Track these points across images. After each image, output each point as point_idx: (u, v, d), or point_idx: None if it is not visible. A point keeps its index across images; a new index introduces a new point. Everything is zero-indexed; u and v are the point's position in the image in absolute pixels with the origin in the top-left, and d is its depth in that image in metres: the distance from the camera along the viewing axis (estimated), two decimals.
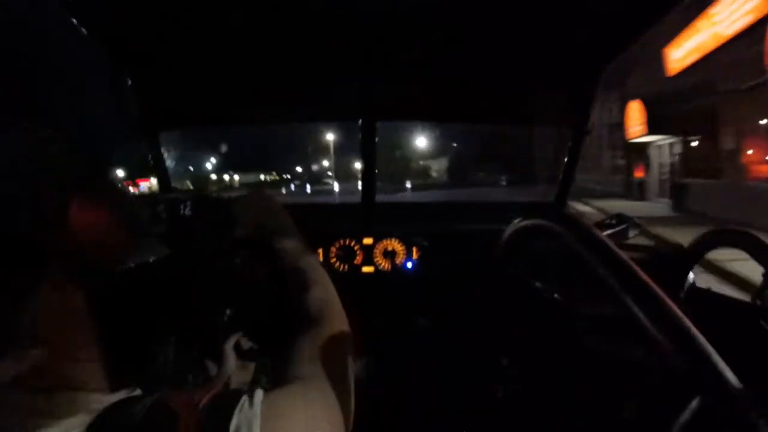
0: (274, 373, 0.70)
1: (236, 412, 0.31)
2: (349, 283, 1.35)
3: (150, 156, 1.32)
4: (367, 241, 1.30)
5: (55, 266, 0.32)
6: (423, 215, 1.58)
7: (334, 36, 1.06)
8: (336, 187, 24.32)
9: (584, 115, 1.36)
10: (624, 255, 0.45)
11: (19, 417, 0.28)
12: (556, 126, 1.53)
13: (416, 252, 1.32)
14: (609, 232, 1.06)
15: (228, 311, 0.69)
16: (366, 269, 1.31)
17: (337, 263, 1.29)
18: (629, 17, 0.98)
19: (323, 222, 1.39)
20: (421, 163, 36.08)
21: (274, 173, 42.23)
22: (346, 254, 1.29)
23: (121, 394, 0.32)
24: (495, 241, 0.82)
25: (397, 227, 1.33)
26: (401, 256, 1.31)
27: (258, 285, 0.71)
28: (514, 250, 0.81)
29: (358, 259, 1.30)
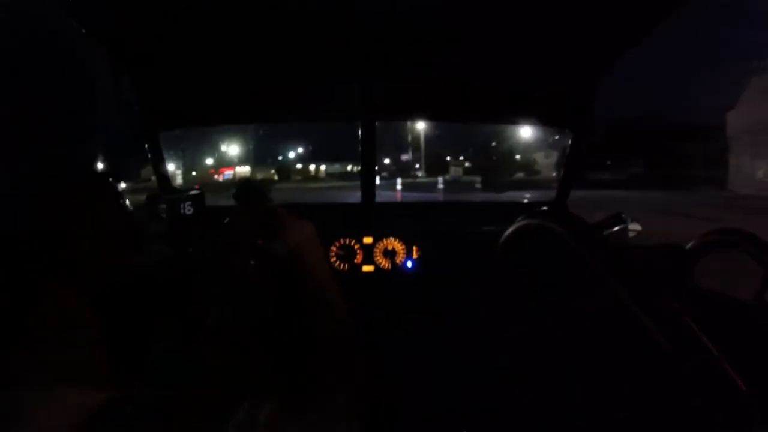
0: (274, 377, 0.70)
1: (237, 415, 0.31)
2: (349, 282, 1.36)
3: (150, 156, 1.32)
4: (367, 240, 1.30)
5: (64, 267, 0.32)
6: (423, 215, 1.58)
7: (334, 36, 1.06)
8: (440, 184, 19.65)
9: (585, 116, 1.36)
10: (625, 255, 0.45)
11: (15, 410, 0.28)
12: (557, 127, 1.53)
13: (416, 251, 1.32)
14: (608, 232, 1.06)
15: (228, 312, 0.69)
16: (366, 268, 1.31)
17: (338, 262, 1.29)
18: (630, 19, 0.98)
19: (323, 221, 1.39)
20: (518, 157, 29.88)
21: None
22: (346, 253, 1.29)
23: (119, 393, 0.32)
24: (495, 240, 0.82)
25: (397, 227, 1.33)
26: (401, 255, 1.31)
27: (257, 287, 0.71)
28: (515, 250, 0.81)
29: (358, 259, 1.30)
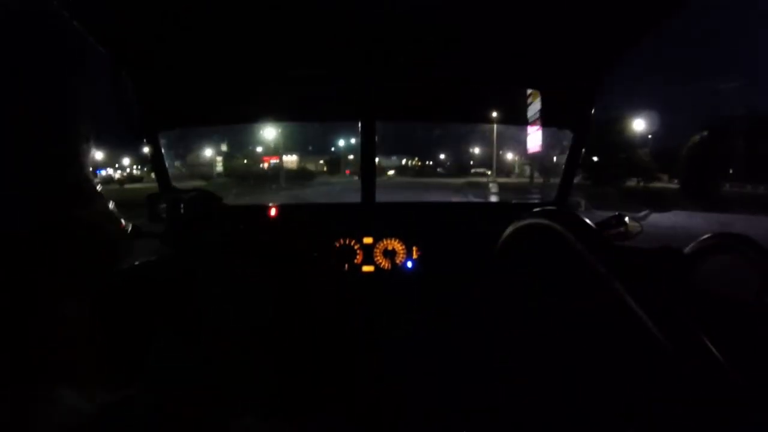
0: (275, 377, 0.70)
1: (239, 419, 0.31)
2: (349, 283, 1.36)
3: (150, 155, 1.32)
4: (367, 240, 1.30)
5: (58, 267, 0.32)
6: (423, 215, 1.58)
7: (334, 36, 1.06)
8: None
9: (585, 116, 1.36)
10: (626, 255, 0.45)
11: (15, 410, 0.28)
12: (557, 127, 1.53)
13: (416, 252, 1.32)
14: (610, 233, 1.06)
15: (228, 312, 0.69)
16: (366, 268, 1.31)
17: (338, 262, 1.30)
18: (630, 20, 0.98)
19: (323, 221, 1.40)
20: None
21: (417, 159, 39.19)
22: (346, 253, 1.29)
23: (119, 393, 0.32)
24: (495, 240, 0.82)
25: (397, 227, 1.33)
26: (401, 255, 1.31)
27: (257, 287, 0.71)
28: (515, 250, 0.81)
29: (358, 259, 1.30)
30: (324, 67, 1.21)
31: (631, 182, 18.58)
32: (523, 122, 1.63)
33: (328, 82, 1.29)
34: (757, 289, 0.81)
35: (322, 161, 35.33)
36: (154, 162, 1.33)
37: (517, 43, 1.11)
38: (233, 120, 1.54)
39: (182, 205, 0.95)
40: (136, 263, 1.01)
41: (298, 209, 1.61)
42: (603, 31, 1.05)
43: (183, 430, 0.29)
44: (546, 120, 1.52)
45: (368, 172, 1.41)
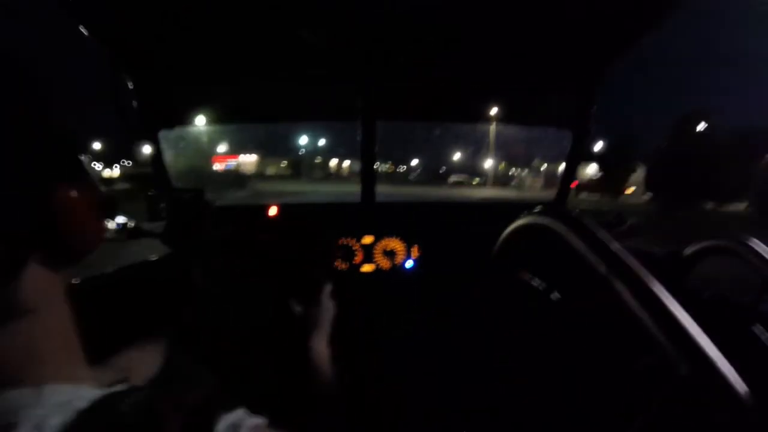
0: (274, 377, 0.69)
1: (228, 417, 0.31)
2: (348, 282, 1.36)
3: (150, 155, 1.32)
4: (367, 240, 1.30)
5: (37, 256, 0.32)
6: (423, 215, 1.58)
7: (334, 36, 1.06)
8: None
9: (585, 116, 1.36)
10: (627, 254, 0.45)
11: (14, 408, 0.27)
12: (557, 127, 1.53)
13: (416, 251, 1.32)
14: (611, 232, 1.06)
15: (228, 312, 0.69)
16: (366, 268, 1.31)
17: (338, 262, 1.30)
18: (630, 20, 0.98)
19: (323, 221, 1.40)
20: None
21: (390, 163, 35.60)
22: (346, 253, 1.29)
23: (110, 390, 0.32)
24: (495, 240, 0.82)
25: (397, 227, 1.33)
26: (401, 255, 1.31)
27: (257, 287, 0.71)
28: (515, 249, 0.81)
29: (358, 258, 1.30)
30: (324, 67, 1.20)
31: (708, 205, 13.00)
32: (523, 122, 1.63)
33: (328, 82, 1.29)
34: (757, 291, 0.81)
35: (284, 163, 30.95)
36: (155, 162, 1.33)
37: (517, 43, 1.11)
38: (233, 120, 1.53)
39: (182, 205, 0.95)
40: (136, 263, 1.00)
41: (299, 209, 1.61)
42: (602, 32, 1.05)
43: (182, 429, 0.29)
44: (546, 120, 1.52)
45: (368, 172, 1.41)
